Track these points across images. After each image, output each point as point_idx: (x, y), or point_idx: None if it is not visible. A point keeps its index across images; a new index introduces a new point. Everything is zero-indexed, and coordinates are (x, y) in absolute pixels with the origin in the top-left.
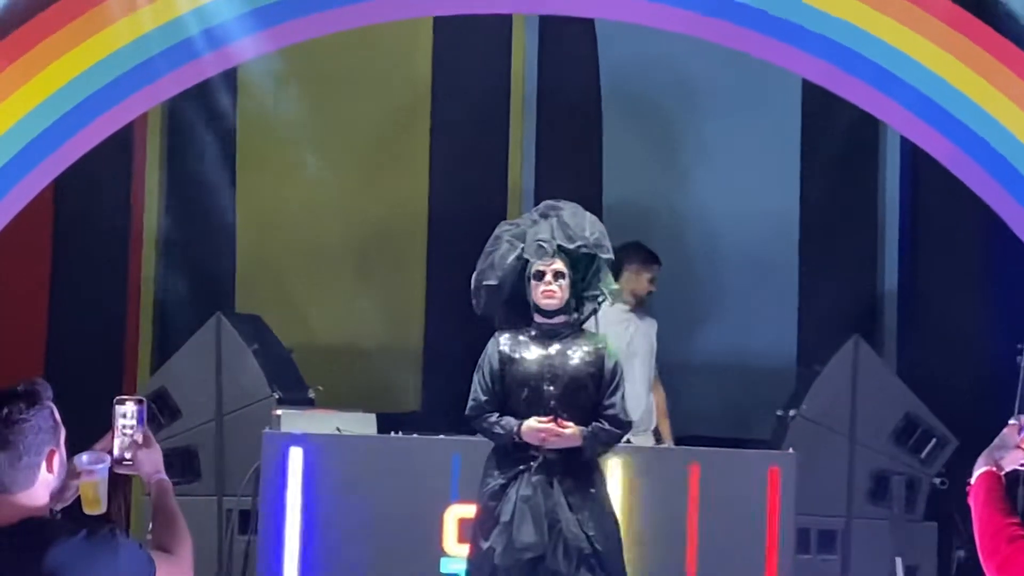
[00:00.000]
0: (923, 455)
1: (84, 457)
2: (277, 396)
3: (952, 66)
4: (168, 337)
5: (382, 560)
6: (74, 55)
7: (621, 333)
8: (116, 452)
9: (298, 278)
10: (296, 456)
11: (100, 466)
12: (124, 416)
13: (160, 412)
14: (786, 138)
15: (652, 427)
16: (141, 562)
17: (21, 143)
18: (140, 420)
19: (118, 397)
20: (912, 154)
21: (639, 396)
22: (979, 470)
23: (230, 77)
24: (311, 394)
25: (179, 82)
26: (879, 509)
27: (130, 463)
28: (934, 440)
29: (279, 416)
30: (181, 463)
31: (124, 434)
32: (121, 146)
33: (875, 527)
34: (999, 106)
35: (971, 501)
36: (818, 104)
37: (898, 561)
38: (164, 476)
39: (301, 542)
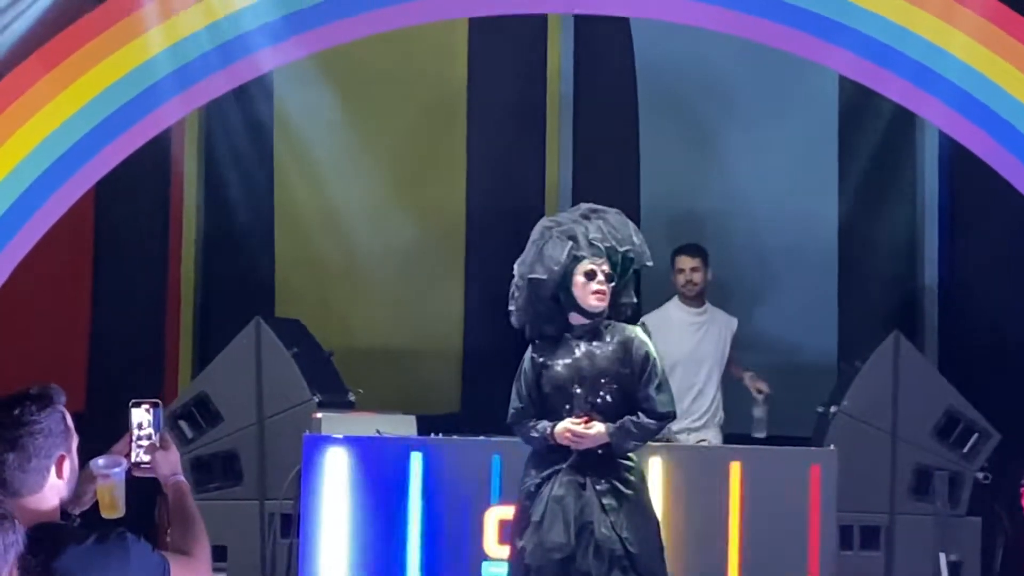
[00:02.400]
0: (966, 450)
1: (100, 461)
2: (317, 399)
3: (989, 60)
4: (208, 342)
5: (424, 563)
6: (111, 62)
7: (687, 339)
8: (133, 455)
9: (337, 281)
10: (336, 459)
11: (116, 470)
12: (140, 419)
13: (201, 417)
14: (823, 135)
15: (717, 420)
16: (153, 564)
17: (60, 150)
18: (156, 422)
19: (133, 400)
20: (950, 148)
21: (705, 396)
22: None
23: (266, 80)
24: (351, 397)
25: (215, 87)
26: (922, 505)
27: (147, 466)
28: (976, 435)
29: (319, 419)
30: (222, 467)
31: (140, 437)
32: (159, 151)
33: (918, 523)
34: None
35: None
36: (855, 100)
37: (942, 557)
38: (181, 478)
39: (343, 545)
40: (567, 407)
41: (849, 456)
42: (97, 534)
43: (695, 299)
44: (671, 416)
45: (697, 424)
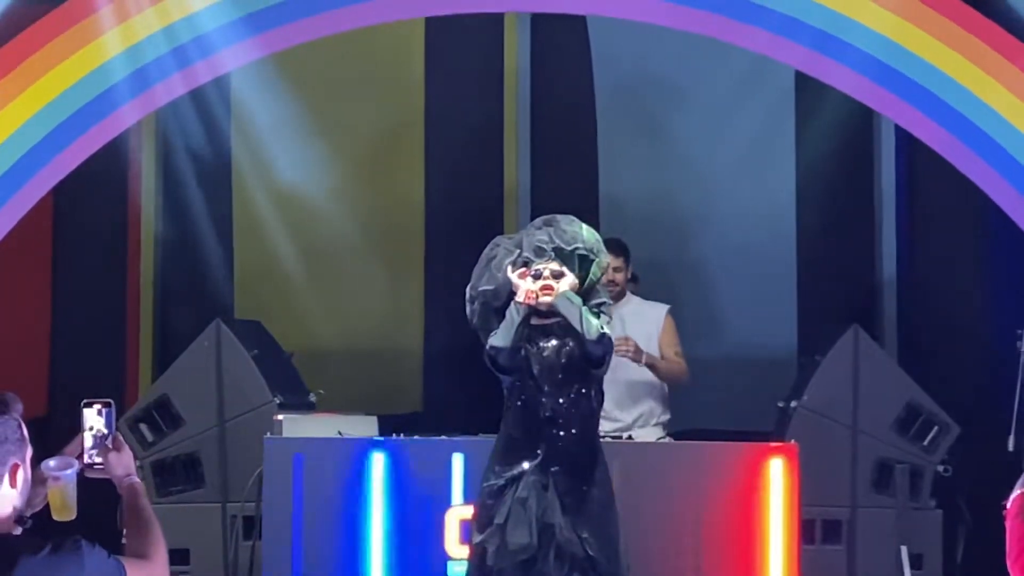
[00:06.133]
0: (926, 443)
1: (51, 462)
2: (278, 401)
3: (945, 54)
4: (168, 345)
5: (387, 563)
6: (67, 65)
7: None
8: (85, 456)
9: (296, 282)
10: (299, 461)
11: (68, 471)
12: (92, 419)
13: (162, 420)
14: (780, 130)
15: (656, 422)
16: (109, 570)
17: (17, 154)
18: (109, 422)
19: (85, 400)
20: (907, 142)
21: (634, 395)
22: (1015, 493)
23: (223, 82)
24: (312, 398)
25: (172, 90)
26: (883, 498)
27: (100, 467)
28: (936, 428)
29: (281, 421)
30: (184, 470)
31: (93, 437)
32: (117, 154)
33: (880, 516)
34: (993, 93)
35: (1007, 521)
36: (811, 95)
37: (903, 550)
38: (136, 479)
39: (305, 547)
40: (529, 399)
41: (810, 450)
42: (52, 544)
43: (615, 298)
44: (601, 337)
45: (628, 422)
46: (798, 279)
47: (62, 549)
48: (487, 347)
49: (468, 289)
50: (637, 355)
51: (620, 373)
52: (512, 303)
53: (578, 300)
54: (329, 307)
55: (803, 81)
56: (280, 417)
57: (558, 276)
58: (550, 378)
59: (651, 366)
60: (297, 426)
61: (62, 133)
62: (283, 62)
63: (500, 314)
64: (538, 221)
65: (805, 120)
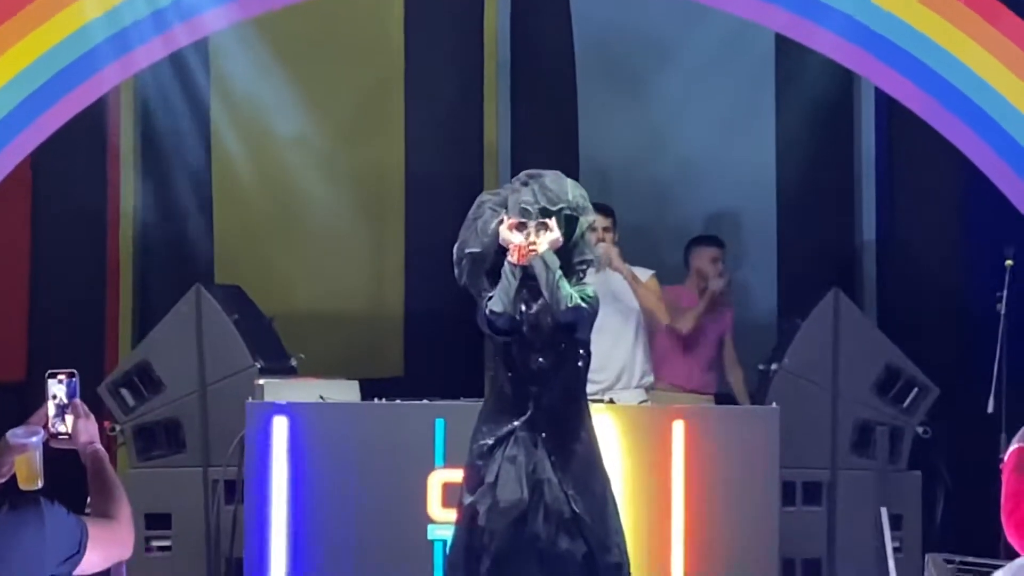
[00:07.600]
0: (905, 405)
1: (18, 431)
2: (259, 366)
3: (926, 16)
4: (149, 310)
5: (368, 527)
6: (46, 28)
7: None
8: (50, 426)
9: (276, 246)
10: (280, 425)
11: (33, 439)
12: (56, 390)
13: (143, 385)
14: (761, 94)
15: (638, 384)
16: (70, 527)
17: None
18: (72, 392)
19: (49, 371)
20: (887, 106)
21: (615, 355)
22: (1012, 446)
23: (201, 47)
24: (293, 363)
25: (151, 53)
26: (863, 460)
27: (66, 436)
28: (916, 390)
29: (262, 386)
30: (166, 435)
31: (57, 407)
32: (95, 119)
33: (860, 478)
34: (972, 55)
35: (1003, 474)
36: (792, 58)
37: (883, 511)
38: (99, 446)
39: (287, 511)
40: (518, 357)
41: (790, 413)
42: (9, 502)
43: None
44: (576, 307)
45: (608, 382)
46: (778, 242)
47: (21, 506)
48: (487, 311)
49: (455, 249)
50: (619, 264)
51: (603, 334)
52: (506, 263)
53: (555, 263)
54: (309, 271)
55: (783, 45)
56: (261, 382)
57: (542, 229)
58: (539, 338)
59: (630, 283)
60: (278, 390)
61: (42, 96)
62: (263, 26)
63: (489, 274)
64: (522, 176)
65: (785, 84)
